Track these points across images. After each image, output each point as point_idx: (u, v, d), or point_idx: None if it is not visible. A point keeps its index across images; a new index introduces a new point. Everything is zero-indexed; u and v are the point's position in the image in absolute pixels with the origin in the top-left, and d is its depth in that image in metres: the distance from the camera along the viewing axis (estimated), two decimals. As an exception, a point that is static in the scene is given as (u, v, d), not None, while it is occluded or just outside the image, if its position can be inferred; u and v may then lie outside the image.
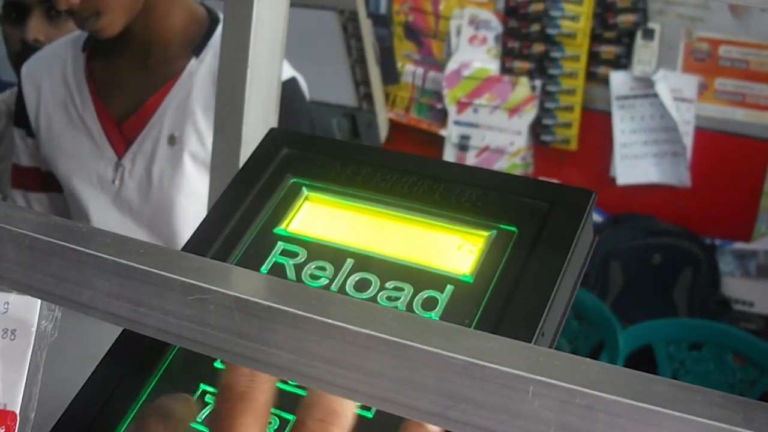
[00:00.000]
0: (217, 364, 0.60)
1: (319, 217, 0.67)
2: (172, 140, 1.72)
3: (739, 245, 3.52)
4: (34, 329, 0.59)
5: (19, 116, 1.92)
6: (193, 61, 1.76)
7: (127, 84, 1.81)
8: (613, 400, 0.31)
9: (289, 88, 1.78)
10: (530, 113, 3.74)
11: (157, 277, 0.37)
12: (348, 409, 0.51)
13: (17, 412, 0.57)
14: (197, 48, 1.77)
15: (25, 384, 0.59)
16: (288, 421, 0.56)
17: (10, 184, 1.94)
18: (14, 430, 0.56)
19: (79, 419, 0.58)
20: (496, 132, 3.76)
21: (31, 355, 0.59)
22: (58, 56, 1.88)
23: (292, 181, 0.69)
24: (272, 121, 0.95)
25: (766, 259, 3.47)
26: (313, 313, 0.34)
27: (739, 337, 2.87)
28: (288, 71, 1.79)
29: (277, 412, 0.57)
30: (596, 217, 3.57)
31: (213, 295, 0.36)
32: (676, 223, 3.55)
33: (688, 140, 3.54)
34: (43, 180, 1.90)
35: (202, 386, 0.59)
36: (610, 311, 2.88)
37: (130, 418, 0.58)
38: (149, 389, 0.60)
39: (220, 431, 0.49)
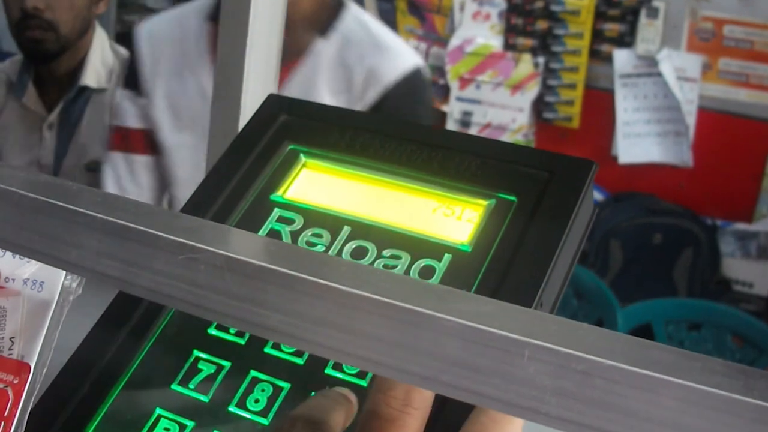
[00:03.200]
0: (211, 331, 0.59)
1: (316, 183, 0.66)
2: None
3: (740, 226, 3.51)
4: (60, 282, 0.59)
5: (130, 78, 1.91)
6: (319, 42, 1.76)
7: None
8: (610, 366, 0.30)
9: (412, 79, 1.76)
10: (533, 90, 3.72)
11: (147, 235, 0.36)
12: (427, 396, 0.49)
13: (32, 365, 0.57)
14: (323, 29, 1.76)
15: (44, 338, 0.58)
16: (282, 388, 0.56)
17: (107, 146, 1.94)
18: (27, 382, 0.56)
19: (73, 381, 0.58)
20: (498, 109, 3.75)
21: (54, 310, 0.59)
22: (180, 23, 1.88)
23: (289, 147, 0.68)
24: (272, 88, 0.94)
25: (767, 240, 3.46)
26: (305, 274, 0.34)
27: (739, 318, 2.86)
28: (411, 59, 1.79)
29: (271, 379, 0.56)
30: (597, 195, 3.56)
31: (203, 255, 0.35)
32: (677, 202, 3.55)
33: (691, 120, 3.53)
34: (151, 142, 1.89)
35: (196, 352, 0.59)
36: (609, 290, 2.87)
37: (123, 383, 0.58)
38: (143, 354, 0.59)
39: None
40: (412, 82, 1.75)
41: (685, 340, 2.90)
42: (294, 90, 1.75)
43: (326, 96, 1.73)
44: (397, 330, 0.33)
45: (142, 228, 0.37)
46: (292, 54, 1.77)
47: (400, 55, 1.80)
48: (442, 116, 3.86)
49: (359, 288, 0.33)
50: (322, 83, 1.74)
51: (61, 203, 0.38)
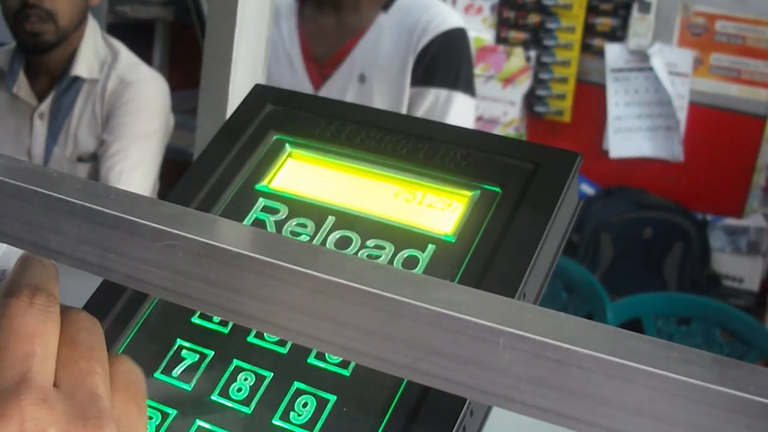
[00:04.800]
0: (194, 319, 0.59)
1: (301, 174, 0.66)
2: (362, 79, 2.13)
3: (731, 221, 3.52)
4: None
5: None
6: (381, 15, 2.12)
7: (326, 32, 2.19)
8: (585, 354, 0.30)
9: (456, 34, 2.16)
10: (524, 84, 3.72)
11: (126, 222, 0.36)
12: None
13: None
14: (386, 4, 2.14)
15: None
16: (265, 377, 0.56)
17: None
18: None
19: None
20: (489, 102, 3.74)
21: None
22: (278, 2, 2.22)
23: (275, 137, 0.68)
24: (259, 78, 0.94)
25: (757, 235, 3.47)
26: (283, 261, 0.34)
27: (728, 313, 2.86)
28: (457, 20, 2.21)
29: (253, 368, 0.56)
30: (588, 190, 3.56)
31: (182, 242, 0.35)
32: (667, 197, 3.55)
33: (682, 115, 3.53)
34: None
35: (179, 341, 0.59)
36: (599, 283, 2.87)
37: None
38: (126, 342, 0.59)
39: None
40: (455, 36, 2.15)
41: (674, 334, 2.90)
42: (359, 55, 2.13)
43: (390, 50, 2.10)
44: (373, 318, 0.33)
45: (121, 215, 0.37)
46: (356, 28, 2.13)
47: (448, 15, 2.20)
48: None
49: (336, 275, 0.33)
50: (384, 44, 2.11)
51: (41, 190, 0.38)
